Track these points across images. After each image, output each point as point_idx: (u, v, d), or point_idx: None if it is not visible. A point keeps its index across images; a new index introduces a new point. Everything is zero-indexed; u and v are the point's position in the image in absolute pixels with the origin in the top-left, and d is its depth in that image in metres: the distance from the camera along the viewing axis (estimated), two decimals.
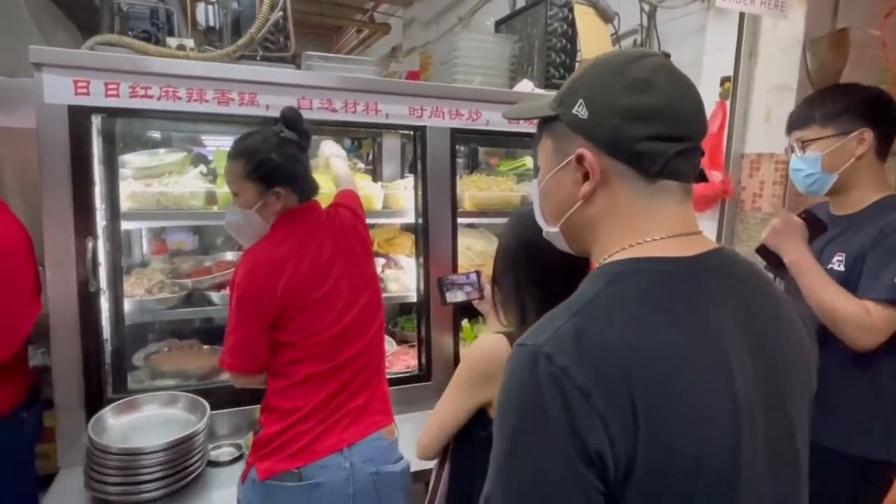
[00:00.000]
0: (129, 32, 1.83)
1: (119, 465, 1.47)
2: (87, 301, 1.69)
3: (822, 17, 2.14)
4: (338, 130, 2.41)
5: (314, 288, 1.45)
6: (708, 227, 2.48)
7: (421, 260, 2.17)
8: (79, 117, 1.66)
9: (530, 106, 0.88)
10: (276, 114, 1.84)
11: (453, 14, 5.12)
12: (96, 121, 1.73)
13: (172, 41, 1.80)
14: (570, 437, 0.58)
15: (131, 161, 1.98)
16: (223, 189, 1.97)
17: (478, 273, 1.55)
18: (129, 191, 1.84)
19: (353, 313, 1.51)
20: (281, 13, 1.85)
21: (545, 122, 0.81)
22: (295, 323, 1.43)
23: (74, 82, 1.64)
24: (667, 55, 0.76)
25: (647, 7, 2.67)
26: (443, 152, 2.13)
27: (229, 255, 2.27)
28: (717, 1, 1.97)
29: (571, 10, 2.40)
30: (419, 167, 2.13)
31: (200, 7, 2.01)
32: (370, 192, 2.19)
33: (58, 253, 1.66)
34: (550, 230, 0.83)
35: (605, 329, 0.63)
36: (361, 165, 2.44)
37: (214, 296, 2.00)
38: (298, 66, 2.09)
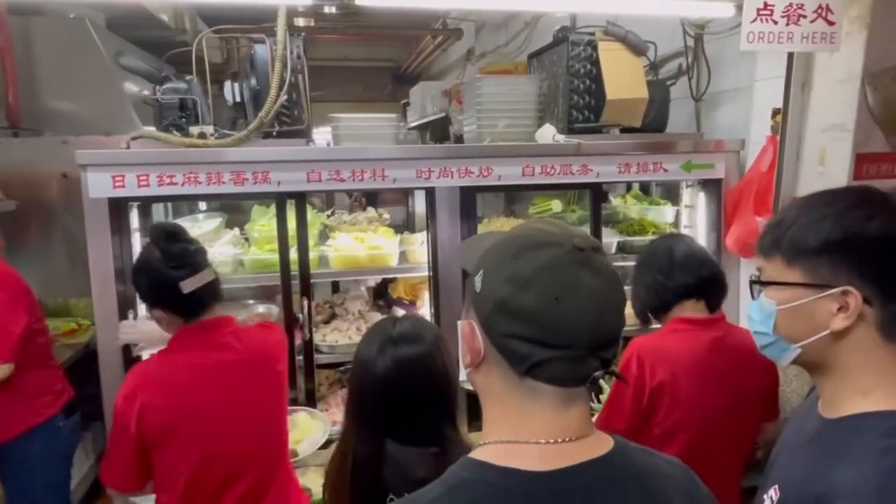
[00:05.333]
0: (164, 121, 2.06)
1: None
2: (130, 357, 1.98)
3: (885, 46, 1.82)
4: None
5: (182, 410, 1.38)
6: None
7: (432, 311, 2.22)
8: (117, 207, 1.92)
9: (476, 249, 0.80)
10: (289, 188, 2.01)
11: (521, 18, 4.98)
12: (134, 205, 1.99)
13: (195, 129, 1.99)
14: None
15: None
16: (248, 255, 2.16)
17: None
18: None
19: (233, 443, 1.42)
20: (286, 96, 1.96)
21: None
22: (165, 444, 1.37)
23: (112, 177, 1.89)
24: (579, 248, 0.69)
25: (691, 31, 2.43)
26: (452, 209, 2.14)
27: (261, 308, 2.47)
28: (742, 44, 1.76)
29: (595, 48, 2.26)
30: (429, 223, 2.17)
31: (227, 85, 2.19)
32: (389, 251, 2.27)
33: (104, 316, 1.94)
34: (462, 376, 0.82)
35: None
36: (387, 216, 2.52)
37: None
38: (334, 129, 2.19)
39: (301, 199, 2.05)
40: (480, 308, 0.71)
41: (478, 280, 0.73)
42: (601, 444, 0.72)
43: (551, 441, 0.69)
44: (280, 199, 2.02)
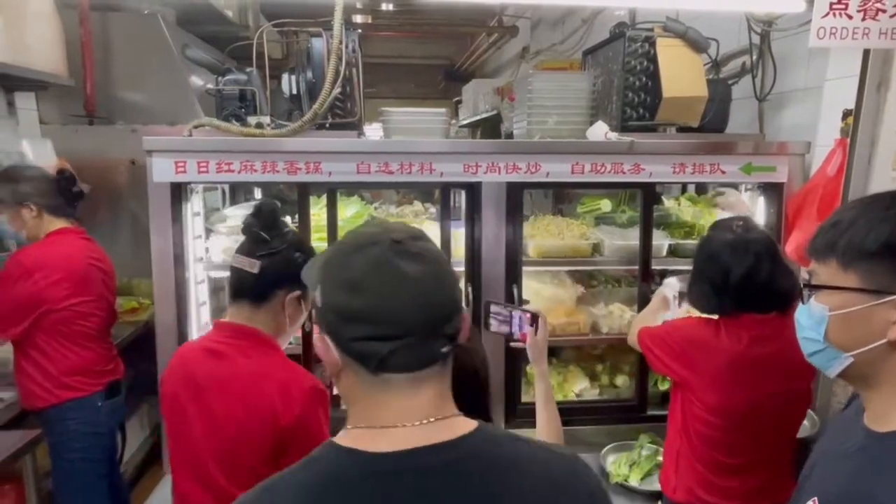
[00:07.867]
0: (224, 111, 2.15)
1: None
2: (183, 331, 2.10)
3: None
4: None
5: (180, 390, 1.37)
6: None
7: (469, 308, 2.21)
8: (178, 191, 2.02)
9: (316, 265, 0.80)
10: (340, 179, 2.06)
11: (578, 16, 4.90)
12: (197, 189, 2.08)
13: (253, 119, 2.06)
14: None
15: (230, 216, 2.32)
16: None
17: (530, 314, 1.42)
18: (223, 246, 2.17)
19: None
20: (340, 89, 2.00)
21: None
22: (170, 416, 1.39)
23: (175, 163, 1.98)
24: (397, 241, 0.74)
25: (757, 28, 2.33)
26: (499, 205, 2.13)
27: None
28: (812, 40, 1.67)
29: (653, 44, 2.20)
30: (473, 219, 2.17)
31: (285, 77, 2.26)
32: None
33: (163, 296, 2.05)
34: (336, 391, 0.85)
35: None
36: (433, 210, 2.53)
37: None
38: (385, 122, 2.22)
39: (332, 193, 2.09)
40: (324, 321, 0.75)
41: (318, 294, 0.76)
42: (455, 429, 0.74)
43: (399, 425, 0.72)
44: (330, 191, 2.07)
